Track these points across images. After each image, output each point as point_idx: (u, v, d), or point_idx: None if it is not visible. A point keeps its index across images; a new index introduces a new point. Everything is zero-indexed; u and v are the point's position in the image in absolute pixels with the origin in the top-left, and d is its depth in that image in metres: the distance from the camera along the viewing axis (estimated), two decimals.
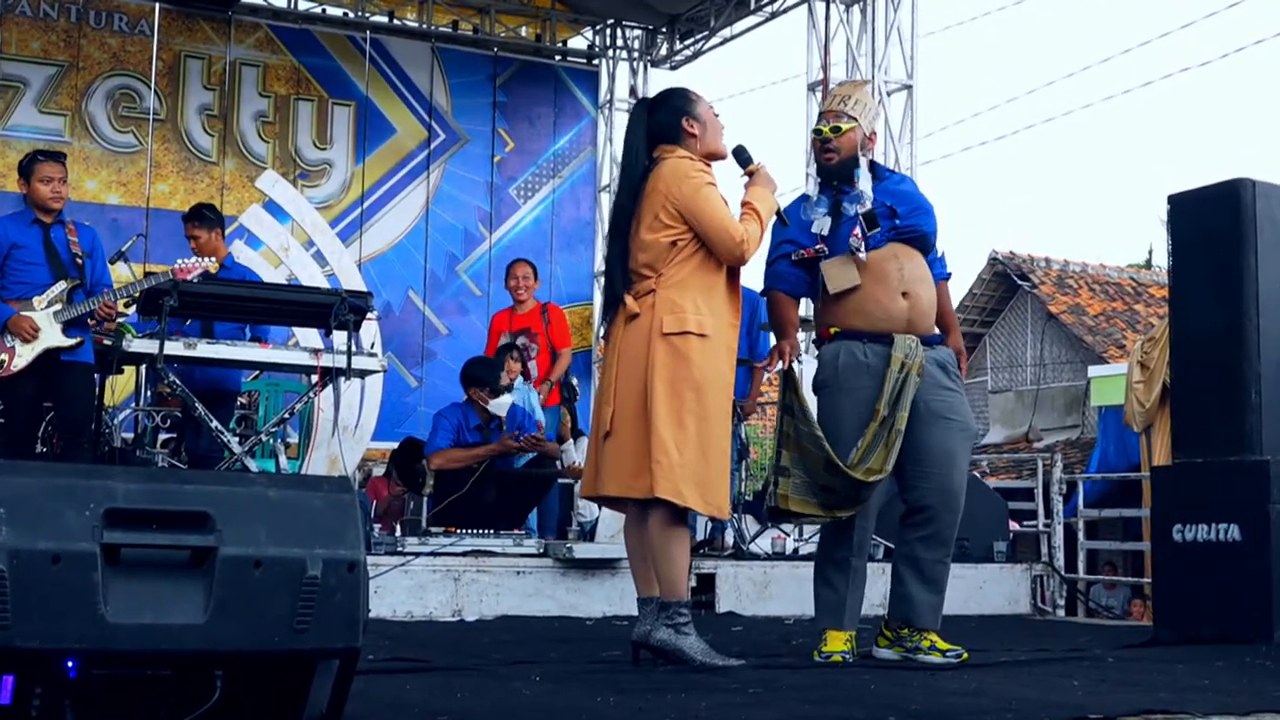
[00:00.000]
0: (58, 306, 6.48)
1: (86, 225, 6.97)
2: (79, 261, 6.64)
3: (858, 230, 4.62)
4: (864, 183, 4.67)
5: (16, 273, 6.54)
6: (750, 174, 4.49)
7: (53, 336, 6.44)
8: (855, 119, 4.70)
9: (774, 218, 4.46)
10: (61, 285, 6.53)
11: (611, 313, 4.44)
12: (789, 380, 4.65)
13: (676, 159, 4.33)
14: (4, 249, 6.55)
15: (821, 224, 4.68)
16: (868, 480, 4.54)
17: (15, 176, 6.91)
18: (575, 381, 9.56)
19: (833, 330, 4.73)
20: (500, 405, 7.67)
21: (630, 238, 4.35)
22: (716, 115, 4.49)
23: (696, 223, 4.25)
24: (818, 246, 4.68)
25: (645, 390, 4.20)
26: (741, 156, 4.50)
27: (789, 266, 4.73)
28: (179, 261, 6.76)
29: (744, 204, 4.39)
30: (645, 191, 4.33)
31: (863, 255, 4.62)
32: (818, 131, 4.75)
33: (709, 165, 4.39)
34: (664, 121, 4.41)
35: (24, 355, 6.39)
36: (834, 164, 4.71)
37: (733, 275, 4.38)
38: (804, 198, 4.84)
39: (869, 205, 4.64)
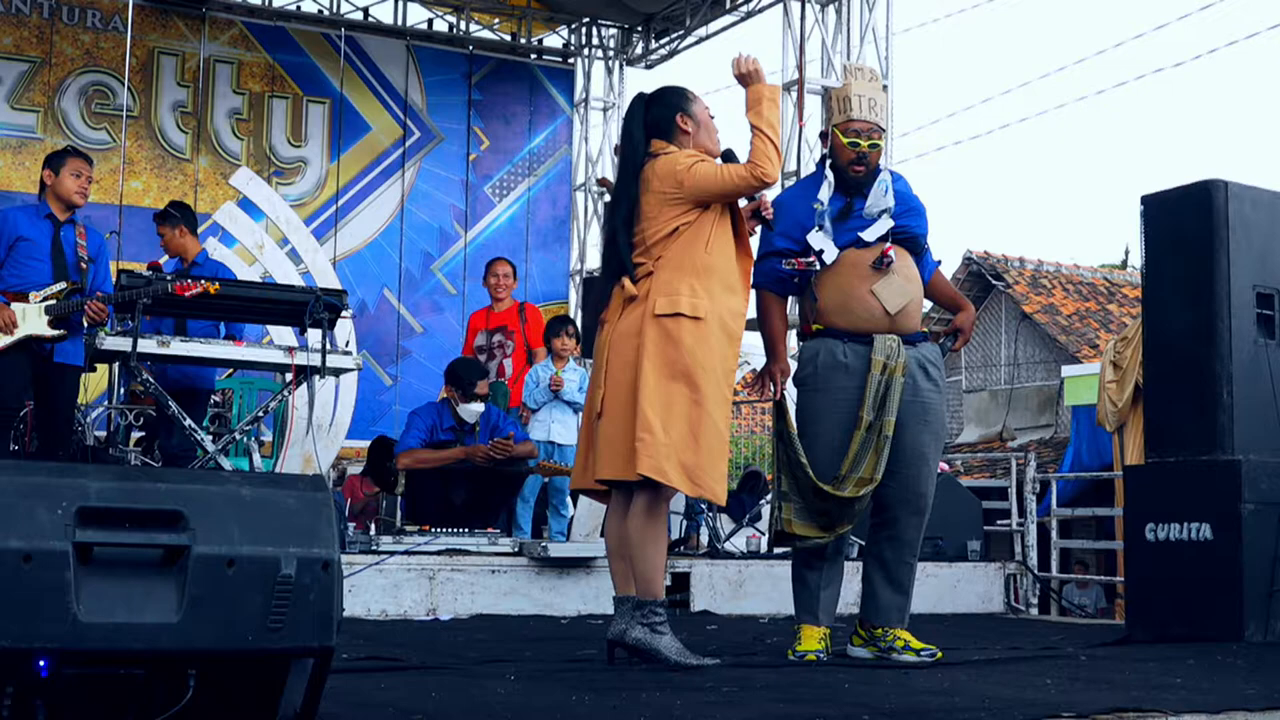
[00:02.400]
0: (51, 302, 6.49)
1: (97, 231, 6.97)
2: (83, 266, 6.65)
3: (889, 250, 4.63)
4: (886, 196, 4.69)
5: (19, 265, 6.54)
6: None
7: (36, 325, 6.44)
8: (884, 129, 4.74)
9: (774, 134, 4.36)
10: (61, 286, 6.54)
11: (608, 288, 4.42)
12: (780, 408, 4.67)
13: (667, 156, 4.34)
14: (9, 239, 6.55)
15: (824, 243, 4.66)
16: (859, 494, 4.55)
17: None
18: None
19: (814, 327, 4.73)
20: (469, 412, 7.63)
21: (630, 225, 4.34)
22: (712, 116, 4.51)
23: (708, 197, 4.26)
24: (809, 260, 4.67)
25: (637, 372, 4.18)
26: (730, 159, 4.48)
27: (779, 264, 4.70)
28: (180, 280, 6.75)
29: (752, 129, 4.35)
30: (642, 184, 4.34)
31: (890, 258, 4.64)
32: (854, 144, 4.68)
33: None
34: (660, 116, 4.43)
35: (2, 339, 6.39)
36: (863, 176, 4.70)
37: (742, 257, 4.36)
38: (810, 192, 4.77)
39: (875, 213, 4.66)
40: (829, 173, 4.74)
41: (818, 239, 4.66)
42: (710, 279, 4.26)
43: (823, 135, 4.88)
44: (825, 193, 4.71)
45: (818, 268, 4.66)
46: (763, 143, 4.30)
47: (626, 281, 4.31)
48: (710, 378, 4.20)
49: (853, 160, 4.68)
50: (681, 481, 4.16)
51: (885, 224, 4.67)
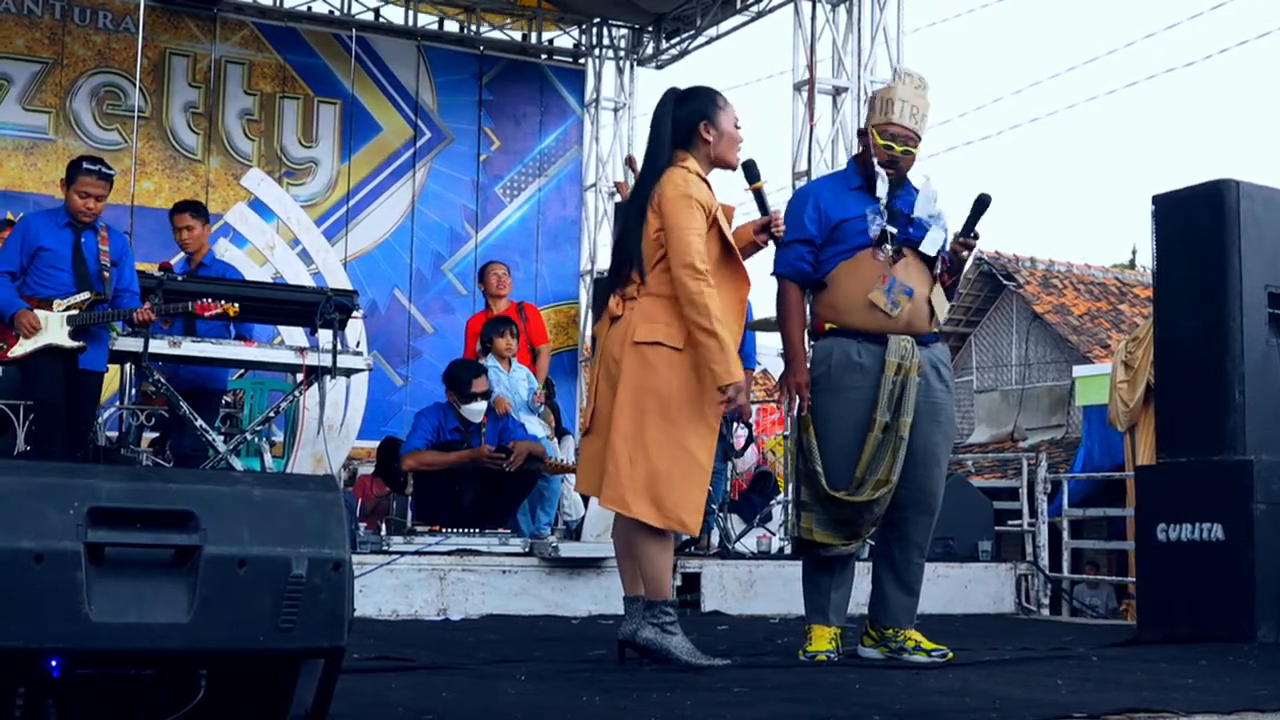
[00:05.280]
0: (74, 312, 6.51)
1: (119, 232, 6.97)
2: (106, 274, 6.66)
3: (946, 258, 4.73)
4: (926, 204, 4.74)
5: (42, 274, 6.58)
6: (756, 190, 4.47)
7: (57, 335, 6.46)
8: (920, 138, 4.76)
9: (719, 336, 4.14)
10: (85, 296, 6.55)
11: (605, 298, 4.42)
12: (803, 421, 4.67)
13: (676, 170, 4.27)
14: (30, 250, 6.58)
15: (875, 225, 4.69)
16: (876, 497, 4.56)
17: None
18: (553, 382, 9.58)
19: (828, 326, 4.73)
20: (472, 412, 7.61)
21: (639, 230, 4.29)
22: (739, 127, 4.42)
23: (666, 229, 4.19)
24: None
25: (613, 398, 4.21)
26: (750, 171, 4.49)
27: (804, 251, 4.70)
28: (201, 300, 6.74)
29: (706, 335, 4.12)
30: (656, 190, 4.28)
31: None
32: (888, 147, 4.70)
33: (706, 180, 4.32)
34: (684, 119, 4.35)
35: (23, 345, 6.43)
36: (893, 179, 4.74)
37: (738, 283, 4.29)
38: (840, 185, 4.83)
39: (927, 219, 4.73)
40: (881, 172, 4.73)
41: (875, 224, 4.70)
42: None
43: (861, 133, 4.90)
44: (881, 189, 4.71)
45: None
46: (706, 326, 4.11)
47: (613, 300, 4.32)
48: (686, 408, 4.16)
49: (884, 162, 4.72)
50: (646, 512, 4.15)
51: (939, 236, 4.72)
